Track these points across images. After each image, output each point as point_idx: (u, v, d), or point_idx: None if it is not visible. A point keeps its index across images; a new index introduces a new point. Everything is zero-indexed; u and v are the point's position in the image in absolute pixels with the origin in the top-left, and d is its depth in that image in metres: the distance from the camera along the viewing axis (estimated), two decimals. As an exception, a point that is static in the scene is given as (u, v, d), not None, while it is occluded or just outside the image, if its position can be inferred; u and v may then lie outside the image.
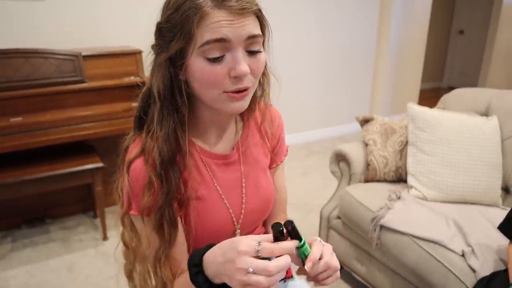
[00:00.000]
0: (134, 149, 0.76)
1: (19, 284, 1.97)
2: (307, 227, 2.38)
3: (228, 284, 0.64)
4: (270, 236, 0.64)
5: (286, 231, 0.64)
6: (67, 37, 2.51)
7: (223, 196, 0.84)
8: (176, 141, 0.75)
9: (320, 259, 0.66)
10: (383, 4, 4.02)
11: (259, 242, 0.62)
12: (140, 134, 0.78)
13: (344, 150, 1.91)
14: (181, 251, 0.80)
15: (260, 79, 0.78)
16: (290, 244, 0.63)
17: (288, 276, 0.70)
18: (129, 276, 0.91)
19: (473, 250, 1.37)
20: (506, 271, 1.21)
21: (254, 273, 0.59)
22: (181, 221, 0.80)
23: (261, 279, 0.59)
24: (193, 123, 0.81)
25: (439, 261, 1.39)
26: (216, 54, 0.67)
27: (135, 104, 0.96)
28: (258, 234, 0.95)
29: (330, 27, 3.79)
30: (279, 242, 0.63)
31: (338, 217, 1.88)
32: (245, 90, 0.71)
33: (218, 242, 0.67)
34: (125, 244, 0.89)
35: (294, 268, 0.74)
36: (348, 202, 1.76)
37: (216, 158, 0.84)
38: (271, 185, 0.93)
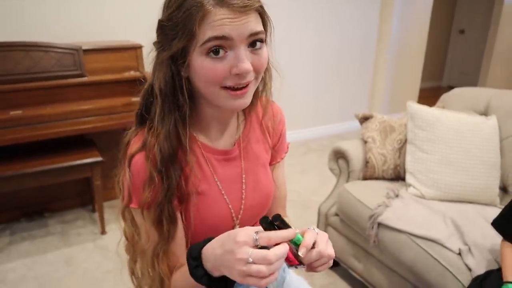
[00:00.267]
0: (135, 144, 0.77)
1: (17, 277, 1.97)
2: (305, 224, 2.34)
3: (228, 275, 0.64)
4: None
5: (277, 223, 0.65)
6: (67, 31, 2.50)
7: (223, 192, 0.84)
8: (178, 138, 0.75)
9: (313, 248, 0.66)
10: (384, 3, 4.01)
11: (257, 232, 0.62)
12: (142, 128, 0.78)
13: (343, 147, 1.91)
14: (179, 246, 0.80)
15: None
16: (287, 232, 0.64)
17: (294, 264, 0.70)
18: (132, 271, 0.91)
19: (470, 249, 1.38)
20: (500, 270, 1.22)
21: (253, 262, 0.60)
22: (181, 217, 0.81)
23: (261, 267, 0.59)
24: (195, 119, 0.81)
25: (436, 259, 1.40)
26: (218, 52, 0.67)
27: (135, 99, 0.96)
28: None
29: (330, 25, 3.78)
30: (276, 230, 0.63)
31: (336, 214, 1.89)
32: (245, 86, 0.71)
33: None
34: (126, 238, 0.90)
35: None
36: (346, 199, 1.77)
37: (217, 153, 0.84)
38: (271, 181, 0.94)
